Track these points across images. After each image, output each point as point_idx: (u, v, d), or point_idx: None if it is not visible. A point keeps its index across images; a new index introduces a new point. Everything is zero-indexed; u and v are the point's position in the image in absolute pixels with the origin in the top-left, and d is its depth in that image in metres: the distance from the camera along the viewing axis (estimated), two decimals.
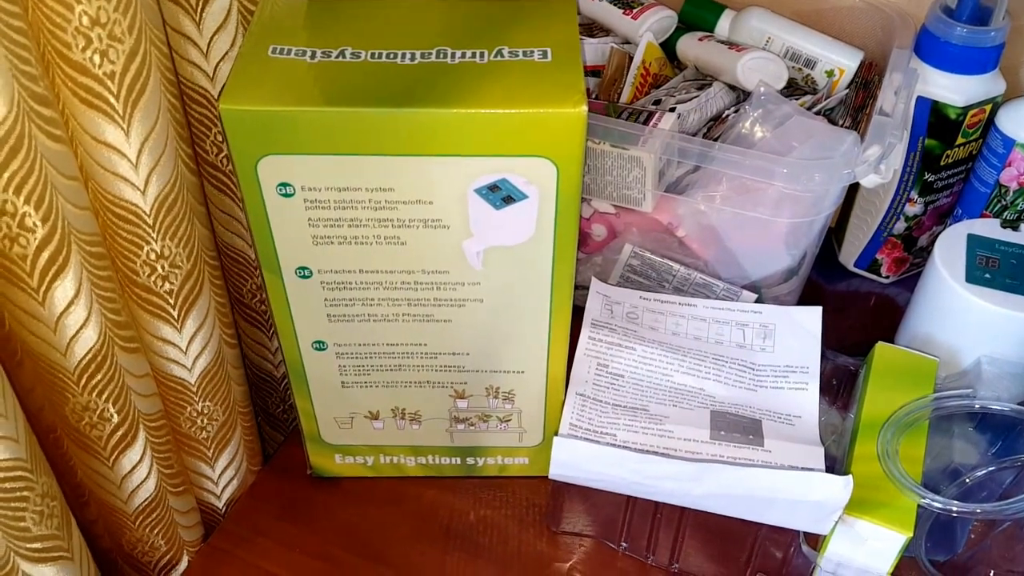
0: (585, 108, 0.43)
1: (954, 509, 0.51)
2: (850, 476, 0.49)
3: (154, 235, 0.46)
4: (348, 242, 0.48)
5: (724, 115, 0.65)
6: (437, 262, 0.49)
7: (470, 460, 0.61)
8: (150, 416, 0.51)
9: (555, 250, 0.49)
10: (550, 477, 0.52)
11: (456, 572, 0.57)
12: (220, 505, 0.62)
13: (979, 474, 0.57)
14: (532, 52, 0.46)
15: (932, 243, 0.76)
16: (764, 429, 0.54)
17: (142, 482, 0.52)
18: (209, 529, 0.62)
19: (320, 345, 0.53)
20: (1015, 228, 0.63)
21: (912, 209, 0.72)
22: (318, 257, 0.49)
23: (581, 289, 0.65)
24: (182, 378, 0.53)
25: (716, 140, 0.62)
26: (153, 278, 0.48)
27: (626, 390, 0.56)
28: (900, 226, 0.73)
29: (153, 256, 0.47)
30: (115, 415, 0.47)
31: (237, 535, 0.59)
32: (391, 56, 0.46)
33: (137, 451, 0.50)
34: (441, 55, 0.46)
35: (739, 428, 0.54)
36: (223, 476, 0.60)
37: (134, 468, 0.51)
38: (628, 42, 0.72)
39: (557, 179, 0.45)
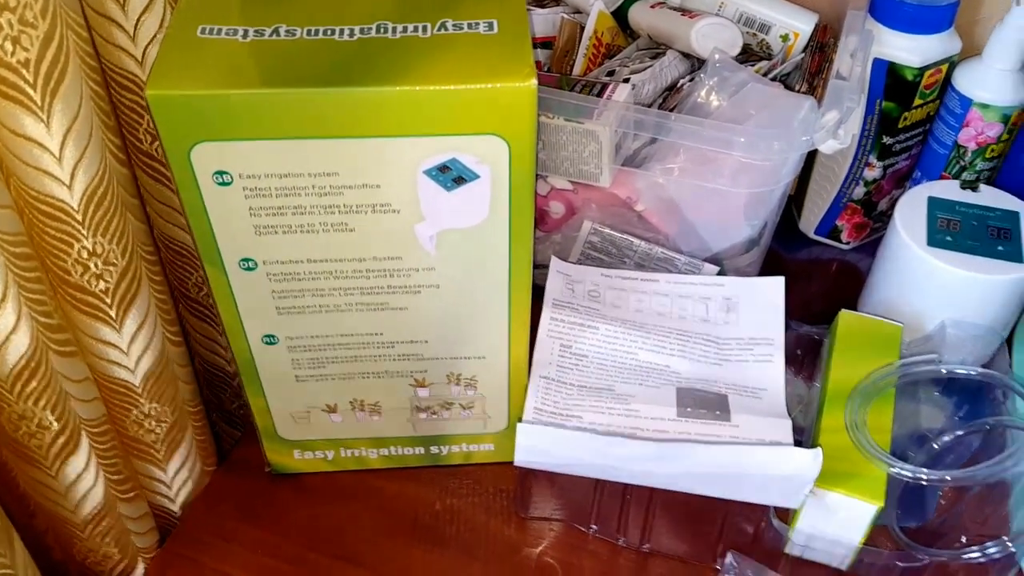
0: (535, 82, 0.41)
1: (924, 477, 0.51)
2: (819, 449, 0.48)
3: (84, 232, 0.44)
4: (293, 231, 0.46)
5: (679, 84, 0.63)
6: (388, 248, 0.47)
7: (434, 449, 0.59)
8: (92, 422, 0.49)
9: (511, 230, 0.47)
10: (515, 464, 0.51)
11: (425, 563, 0.56)
12: (175, 509, 0.59)
13: (947, 439, 0.56)
14: (477, 24, 0.44)
15: (892, 208, 0.75)
16: (731, 404, 0.53)
17: (89, 490, 0.49)
18: (165, 534, 0.60)
19: (270, 339, 0.51)
20: (975, 189, 0.63)
21: (871, 173, 0.71)
22: (262, 248, 0.46)
23: (541, 268, 0.64)
24: (125, 380, 0.50)
25: (672, 110, 0.60)
26: (87, 277, 0.45)
27: (591, 370, 0.55)
28: (859, 191, 0.72)
29: (85, 254, 0.44)
30: (54, 423, 0.45)
31: (194, 539, 0.57)
32: (329, 32, 0.43)
33: (81, 459, 0.48)
34: (382, 30, 0.44)
35: (706, 404, 0.53)
36: (176, 479, 0.58)
37: (79, 477, 0.48)
38: (579, 11, 0.70)
39: (509, 157, 0.43)
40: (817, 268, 0.76)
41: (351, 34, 0.43)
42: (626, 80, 0.61)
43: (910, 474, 0.50)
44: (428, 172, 0.44)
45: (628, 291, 0.59)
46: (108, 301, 0.47)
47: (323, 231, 0.46)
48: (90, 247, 0.44)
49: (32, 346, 0.42)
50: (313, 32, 0.43)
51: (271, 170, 0.43)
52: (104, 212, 0.44)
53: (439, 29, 0.44)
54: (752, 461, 0.49)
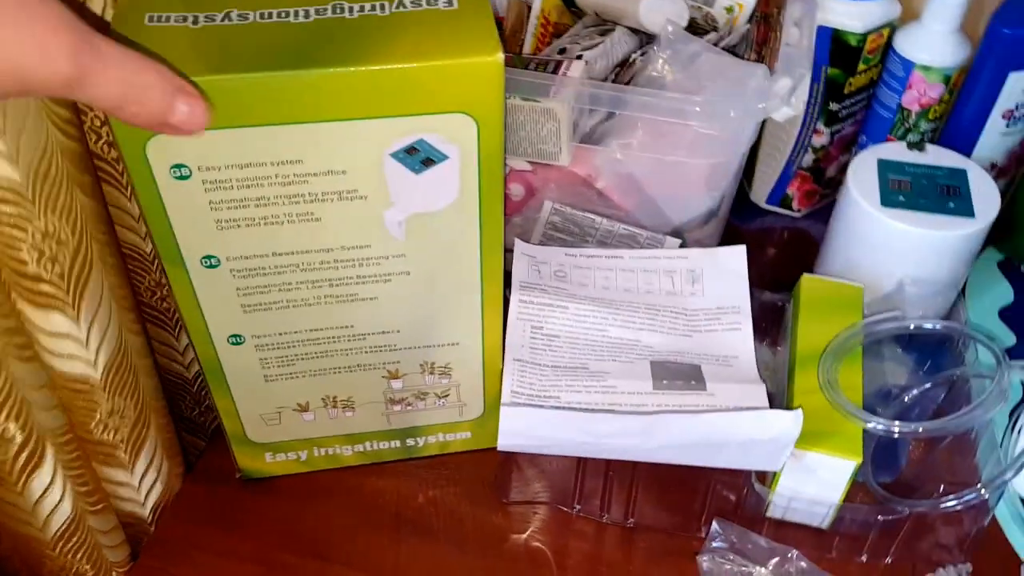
0: (501, 56, 0.40)
1: (898, 431, 0.51)
2: (799, 410, 0.49)
3: (35, 211, 0.42)
4: (256, 224, 0.44)
5: (631, 60, 0.63)
6: (356, 236, 0.46)
7: (410, 441, 0.58)
8: (56, 431, 0.47)
9: (481, 211, 0.46)
10: (499, 449, 0.50)
11: (411, 558, 0.55)
12: (146, 514, 0.57)
13: (916, 392, 0.58)
14: (436, 0, 0.43)
15: (840, 173, 0.77)
16: (704, 373, 0.54)
17: (57, 505, 0.47)
18: (136, 546, 0.57)
19: (237, 339, 0.49)
20: (921, 149, 0.64)
21: (819, 140, 0.72)
22: (225, 243, 0.45)
23: (505, 252, 0.63)
24: (86, 376, 0.48)
25: (627, 84, 0.60)
26: (42, 262, 0.43)
27: (563, 350, 0.54)
28: (808, 158, 0.73)
29: (39, 237, 0.42)
30: (18, 434, 0.43)
31: (168, 550, 0.55)
32: (283, 15, 0.42)
33: (47, 471, 0.46)
34: (338, 10, 0.42)
35: (680, 375, 0.53)
36: (144, 481, 0.55)
37: (46, 491, 0.46)
38: None
39: (478, 135, 0.43)
40: (771, 237, 0.77)
41: (306, 15, 0.42)
42: (579, 57, 0.61)
43: (885, 428, 0.51)
44: (395, 155, 0.43)
45: (594, 269, 0.59)
46: (63, 286, 0.44)
47: (288, 222, 0.44)
48: (43, 228, 0.42)
49: None
50: (266, 15, 0.42)
51: (232, 161, 0.41)
52: (52, 187, 0.42)
53: (397, 7, 0.43)
54: (735, 427, 0.49)
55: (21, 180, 0.41)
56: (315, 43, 0.40)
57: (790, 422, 0.49)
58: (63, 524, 0.48)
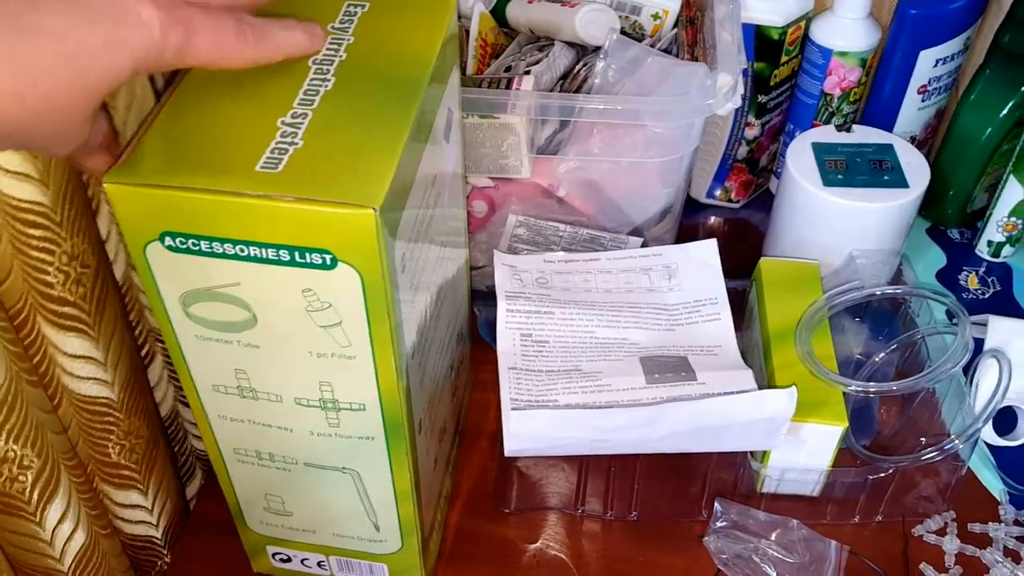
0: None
1: (873, 391, 0.54)
2: (793, 388, 0.51)
3: (63, 234, 0.41)
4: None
5: (575, 71, 0.65)
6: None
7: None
8: (65, 455, 0.46)
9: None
10: (507, 454, 0.51)
11: None
12: (159, 535, 0.56)
13: (883, 355, 0.61)
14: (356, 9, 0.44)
15: (771, 162, 0.81)
16: (692, 364, 0.55)
17: (73, 531, 0.46)
18: (149, 569, 0.56)
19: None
20: (848, 130, 0.68)
21: (751, 132, 0.75)
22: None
23: (476, 269, 0.64)
24: (105, 397, 0.47)
25: (576, 93, 0.62)
26: (67, 285, 0.42)
27: (555, 355, 0.55)
28: (743, 151, 0.77)
29: (65, 259, 0.42)
30: (35, 460, 0.41)
31: None
32: None
33: (62, 497, 0.44)
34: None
35: (670, 368, 0.55)
36: (157, 501, 0.54)
37: (62, 517, 0.45)
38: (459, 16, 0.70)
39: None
40: (716, 228, 0.80)
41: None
42: (526, 72, 0.62)
43: (864, 390, 0.54)
44: None
45: (573, 273, 0.60)
46: (87, 308, 0.44)
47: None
48: (70, 251, 0.42)
49: (6, 377, 0.39)
50: None
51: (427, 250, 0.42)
52: (75, 210, 0.42)
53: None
54: (735, 409, 0.51)
55: (51, 204, 0.40)
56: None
57: (786, 399, 0.51)
58: (80, 550, 0.47)
